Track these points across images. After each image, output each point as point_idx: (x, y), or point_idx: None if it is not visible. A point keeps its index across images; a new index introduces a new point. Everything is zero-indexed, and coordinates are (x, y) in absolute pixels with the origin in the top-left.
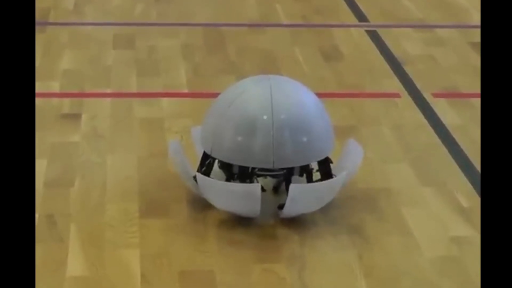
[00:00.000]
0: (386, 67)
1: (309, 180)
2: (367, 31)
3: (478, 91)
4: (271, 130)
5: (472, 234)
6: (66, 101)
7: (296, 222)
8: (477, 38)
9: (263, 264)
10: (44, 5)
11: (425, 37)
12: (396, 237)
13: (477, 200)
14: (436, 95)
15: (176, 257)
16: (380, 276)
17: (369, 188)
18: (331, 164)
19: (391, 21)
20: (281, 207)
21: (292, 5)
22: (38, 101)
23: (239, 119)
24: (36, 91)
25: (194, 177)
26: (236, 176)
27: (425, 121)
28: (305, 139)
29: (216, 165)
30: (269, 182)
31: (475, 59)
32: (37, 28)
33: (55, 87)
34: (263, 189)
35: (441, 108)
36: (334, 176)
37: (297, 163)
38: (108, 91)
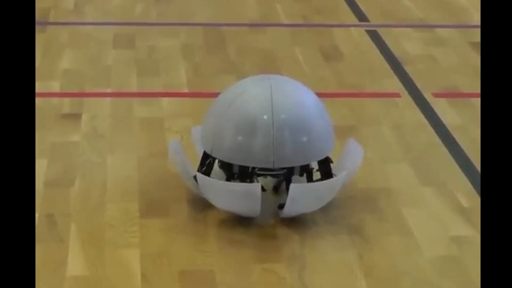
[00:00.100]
0: (386, 67)
1: (309, 180)
2: (367, 31)
3: (478, 91)
4: (271, 130)
5: (472, 234)
6: (66, 101)
7: (296, 222)
8: (477, 38)
9: (263, 264)
10: (44, 4)
11: (425, 37)
12: (396, 237)
13: (477, 200)
14: (436, 95)
15: (176, 257)
16: (380, 276)
17: (369, 188)
18: (331, 164)
19: (391, 21)
20: (281, 206)
21: (292, 5)
22: (38, 101)
23: (239, 119)
24: (36, 91)
25: (194, 177)
26: (236, 175)
27: (425, 121)
28: (305, 139)
29: (216, 165)
30: (269, 181)
31: (475, 59)
32: (37, 27)
33: (55, 86)
34: (263, 189)
35: (441, 108)
36: (334, 176)
37: (297, 163)
38: (108, 91)
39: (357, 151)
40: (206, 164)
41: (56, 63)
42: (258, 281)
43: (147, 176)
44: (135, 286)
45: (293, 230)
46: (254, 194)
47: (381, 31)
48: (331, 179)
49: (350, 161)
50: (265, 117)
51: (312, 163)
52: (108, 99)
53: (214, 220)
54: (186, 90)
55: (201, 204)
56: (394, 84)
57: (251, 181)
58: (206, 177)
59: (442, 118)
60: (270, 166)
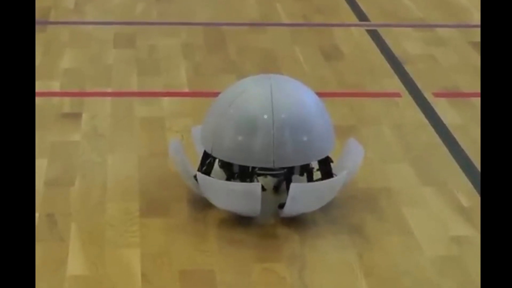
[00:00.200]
0: (387, 66)
1: (310, 179)
2: (367, 31)
3: (479, 90)
4: (271, 129)
5: (472, 233)
6: (67, 100)
7: (297, 222)
8: (478, 38)
9: (263, 264)
10: (45, 4)
11: (426, 37)
12: (396, 237)
13: (478, 199)
14: (436, 95)
15: (176, 257)
16: (380, 276)
17: (369, 188)
18: (331, 164)
19: (392, 21)
20: (281, 206)
21: (292, 4)
22: (38, 100)
23: (239, 118)
24: (37, 90)
25: (195, 177)
26: (236, 175)
27: (425, 121)
28: (305, 138)
29: (216, 165)
30: (270, 181)
31: (476, 59)
32: (37, 27)
33: (56, 86)
34: (263, 189)
35: (442, 107)
36: (334, 176)
37: (297, 163)
38: (109, 90)
39: (358, 151)
40: (206, 163)
41: (57, 63)
42: (258, 280)
43: (148, 176)
44: (135, 286)
45: (293, 230)
46: (254, 194)
47: (381, 31)
48: (331, 179)
49: (350, 160)
50: (265, 116)
51: (312, 163)
52: (109, 98)
53: (214, 219)
54: (186, 90)
55: (201, 204)
56: (394, 83)
57: (251, 181)
58: (207, 177)
59: (443, 118)
60: (270, 165)
